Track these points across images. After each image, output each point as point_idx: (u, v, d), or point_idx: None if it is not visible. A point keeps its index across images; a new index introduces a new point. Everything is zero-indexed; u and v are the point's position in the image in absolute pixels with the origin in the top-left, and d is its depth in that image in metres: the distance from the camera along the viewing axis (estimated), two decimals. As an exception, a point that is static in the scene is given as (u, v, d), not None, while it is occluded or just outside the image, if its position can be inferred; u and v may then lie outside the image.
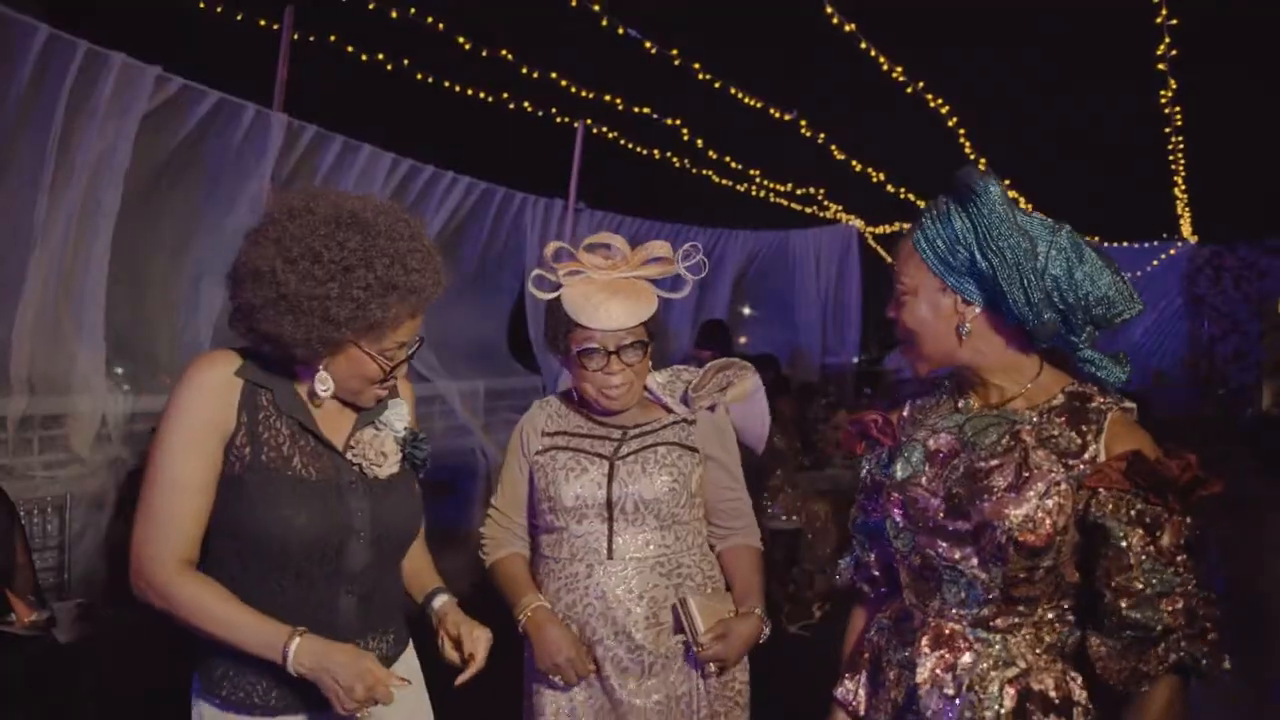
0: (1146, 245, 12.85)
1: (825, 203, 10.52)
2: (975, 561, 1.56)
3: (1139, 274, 12.44)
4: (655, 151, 8.33)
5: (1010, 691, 1.56)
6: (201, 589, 1.61)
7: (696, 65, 6.21)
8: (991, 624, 1.58)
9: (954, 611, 1.60)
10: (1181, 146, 7.44)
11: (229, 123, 4.84)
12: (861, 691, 1.81)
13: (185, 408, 1.65)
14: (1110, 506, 1.49)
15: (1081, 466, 1.53)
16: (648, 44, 5.65)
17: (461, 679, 1.77)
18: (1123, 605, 1.47)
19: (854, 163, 8.67)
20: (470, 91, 6.34)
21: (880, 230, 12.59)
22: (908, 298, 1.64)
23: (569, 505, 2.17)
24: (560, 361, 2.27)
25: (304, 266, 1.57)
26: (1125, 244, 12.58)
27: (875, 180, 9.23)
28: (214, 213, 5.04)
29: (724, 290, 8.88)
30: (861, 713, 1.80)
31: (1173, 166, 8.11)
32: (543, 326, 2.29)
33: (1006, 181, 1.62)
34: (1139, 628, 1.47)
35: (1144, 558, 1.46)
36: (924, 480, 1.64)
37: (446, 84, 6.17)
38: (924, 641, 1.63)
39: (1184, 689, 1.49)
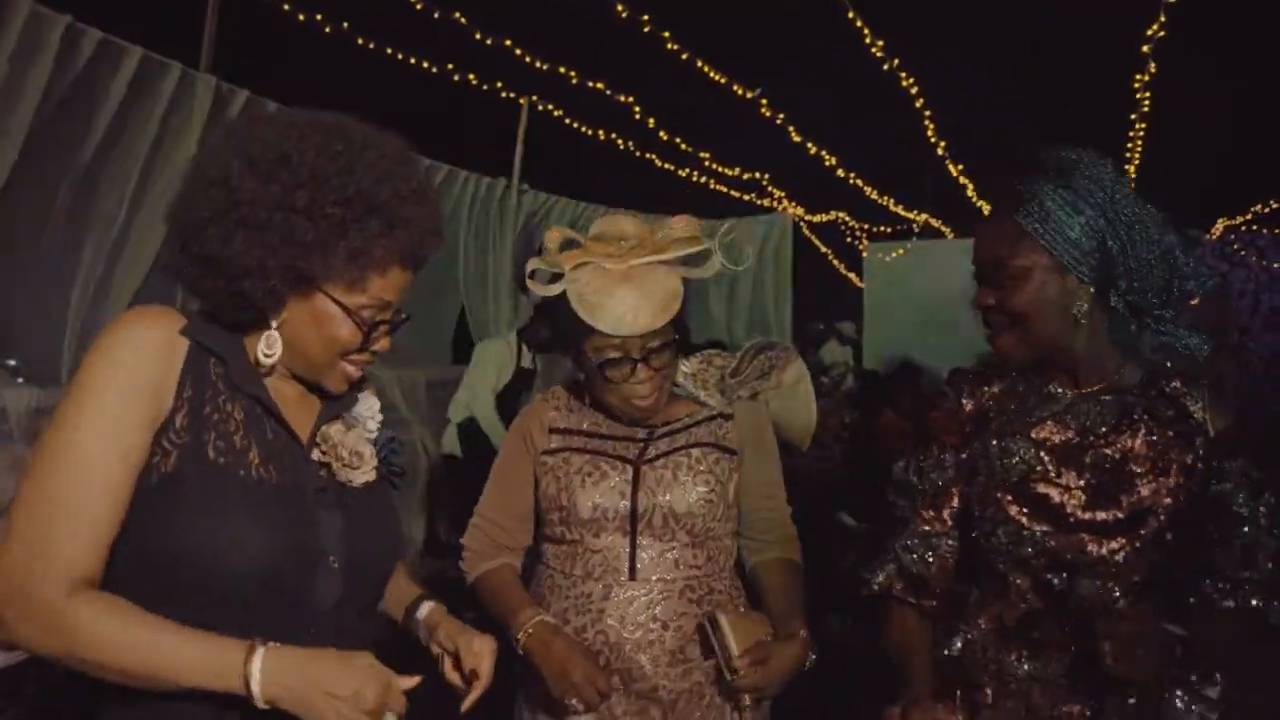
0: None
1: (769, 189, 10.30)
2: (1127, 550, 1.54)
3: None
4: (601, 132, 7.97)
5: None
6: (109, 608, 1.14)
7: (666, 34, 5.86)
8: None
9: (1094, 609, 1.54)
10: (1143, 133, 7.46)
11: (151, 84, 4.35)
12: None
13: (107, 374, 1.19)
14: (1232, 475, 1.55)
15: (1198, 441, 1.56)
16: (620, 7, 5.29)
17: (467, 703, 1.46)
18: (1225, 560, 1.55)
19: (809, 145, 8.45)
20: (414, 60, 5.88)
21: (817, 219, 12.47)
22: (1015, 281, 1.56)
23: (586, 517, 1.84)
24: (572, 363, 1.91)
25: (266, 169, 1.23)
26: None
27: (826, 164, 9.03)
28: (131, 185, 4.52)
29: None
30: None
31: (1128, 155, 8.15)
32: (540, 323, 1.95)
33: (960, 166, 1.62)
34: (1238, 581, 1.54)
35: (1254, 519, 1.54)
36: (1050, 475, 1.58)
37: (389, 50, 5.70)
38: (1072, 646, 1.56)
39: (1253, 631, 1.55)
